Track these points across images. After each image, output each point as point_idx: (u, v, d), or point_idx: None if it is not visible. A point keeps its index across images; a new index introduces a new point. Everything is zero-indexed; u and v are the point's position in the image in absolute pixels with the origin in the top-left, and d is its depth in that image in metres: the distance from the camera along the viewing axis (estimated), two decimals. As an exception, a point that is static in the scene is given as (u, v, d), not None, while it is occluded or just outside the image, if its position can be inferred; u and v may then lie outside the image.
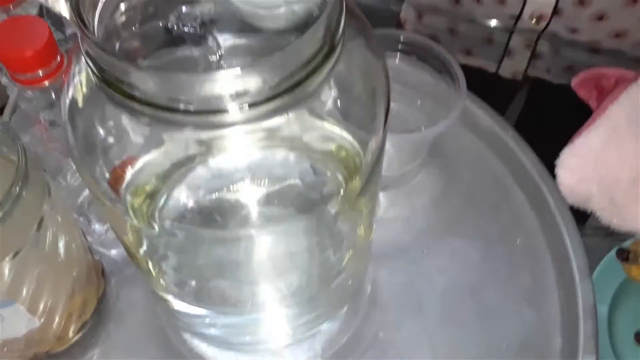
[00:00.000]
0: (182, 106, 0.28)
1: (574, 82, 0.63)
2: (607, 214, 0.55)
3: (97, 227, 0.55)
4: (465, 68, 0.56)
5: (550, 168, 0.56)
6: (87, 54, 0.29)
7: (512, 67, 0.78)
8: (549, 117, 0.82)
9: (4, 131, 0.39)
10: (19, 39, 0.39)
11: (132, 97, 0.29)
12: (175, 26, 0.45)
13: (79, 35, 0.29)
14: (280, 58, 0.27)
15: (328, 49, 0.30)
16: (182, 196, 0.37)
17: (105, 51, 0.28)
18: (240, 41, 0.49)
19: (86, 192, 0.56)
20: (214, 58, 0.55)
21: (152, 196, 0.37)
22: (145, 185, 0.36)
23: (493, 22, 0.75)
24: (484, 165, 0.61)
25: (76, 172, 0.55)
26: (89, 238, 0.53)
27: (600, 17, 0.69)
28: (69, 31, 0.53)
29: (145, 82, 0.28)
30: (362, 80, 0.36)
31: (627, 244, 0.63)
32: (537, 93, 0.85)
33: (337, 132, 0.36)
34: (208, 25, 0.52)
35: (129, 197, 0.36)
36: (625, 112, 0.55)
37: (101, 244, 0.56)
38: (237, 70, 0.27)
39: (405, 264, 0.55)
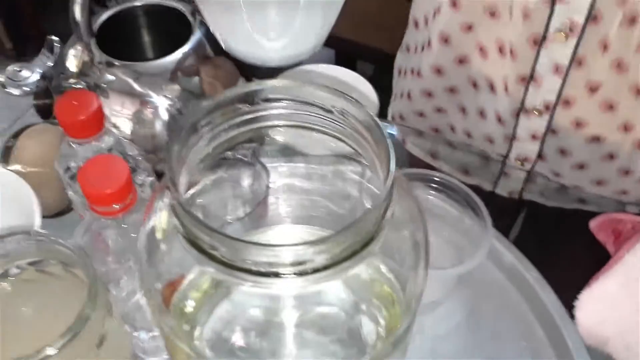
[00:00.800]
0: (247, 267, 0.33)
1: (593, 225, 0.67)
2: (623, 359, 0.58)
3: (142, 334, 0.58)
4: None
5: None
6: (174, 210, 0.34)
7: (508, 187, 0.82)
8: (547, 236, 0.86)
9: (80, 256, 0.44)
10: (102, 176, 0.44)
11: (205, 252, 0.34)
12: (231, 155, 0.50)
13: (170, 195, 0.34)
14: (342, 236, 0.32)
15: (382, 217, 0.35)
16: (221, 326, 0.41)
17: (191, 217, 0.33)
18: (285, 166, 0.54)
19: (134, 299, 0.60)
20: (262, 185, 0.60)
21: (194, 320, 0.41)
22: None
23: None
24: (507, 300, 0.64)
25: (123, 281, 0.60)
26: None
27: (581, 167, 0.75)
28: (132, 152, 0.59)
29: (219, 245, 0.33)
30: (407, 224, 0.41)
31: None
32: (534, 212, 0.89)
33: (383, 270, 0.40)
34: (258, 152, 0.58)
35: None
36: (640, 263, 0.59)
37: (143, 351, 0.59)
38: (301, 247, 0.31)
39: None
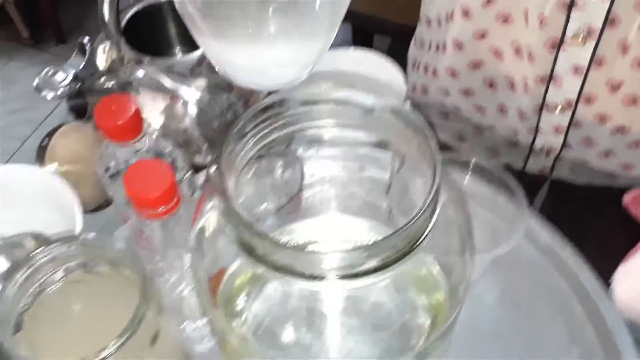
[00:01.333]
0: (299, 271, 0.34)
1: (626, 200, 0.67)
2: (661, 332, 0.59)
3: (187, 325, 0.60)
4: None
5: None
6: (228, 219, 0.35)
7: (538, 164, 0.83)
8: (578, 212, 0.86)
9: (129, 258, 0.45)
10: (147, 181, 0.45)
11: (259, 258, 0.35)
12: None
13: (224, 206, 0.35)
14: (393, 239, 0.33)
15: (431, 217, 0.35)
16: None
17: (246, 226, 0.34)
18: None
19: (177, 291, 0.61)
20: (297, 176, 0.61)
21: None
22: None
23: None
24: (542, 277, 0.65)
25: (167, 274, 0.61)
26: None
27: (607, 154, 0.74)
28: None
29: (268, 250, 0.34)
30: (451, 213, 0.41)
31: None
32: (564, 188, 0.89)
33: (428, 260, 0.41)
34: (291, 144, 0.58)
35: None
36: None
37: (187, 339, 0.61)
38: (353, 253, 0.32)
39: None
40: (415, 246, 0.34)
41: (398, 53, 0.89)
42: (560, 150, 0.76)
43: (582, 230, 0.70)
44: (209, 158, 0.72)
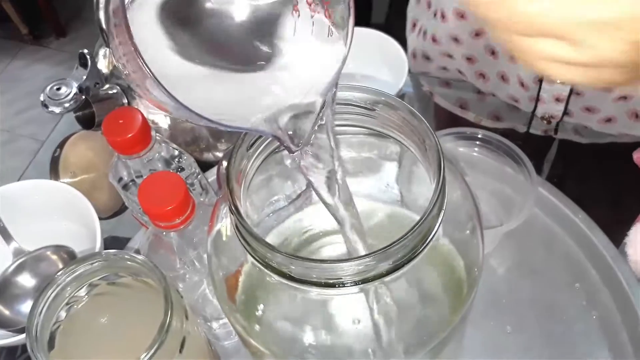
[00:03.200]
0: (314, 280, 0.35)
1: (636, 157, 0.67)
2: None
3: (213, 323, 0.62)
4: (495, 131, 0.62)
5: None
6: (241, 234, 0.36)
7: (542, 126, 0.82)
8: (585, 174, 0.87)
9: (150, 269, 0.47)
10: (160, 194, 0.46)
11: (270, 267, 0.36)
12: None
13: (236, 221, 0.36)
14: (405, 240, 0.33)
15: (439, 213, 0.36)
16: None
17: (259, 242, 0.34)
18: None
19: (199, 291, 0.63)
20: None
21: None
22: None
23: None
24: (555, 244, 0.66)
25: (187, 277, 0.62)
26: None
27: (608, 120, 0.74)
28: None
29: (287, 264, 0.35)
30: (457, 196, 0.42)
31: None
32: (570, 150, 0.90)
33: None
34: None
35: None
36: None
37: (214, 337, 0.63)
38: (366, 259, 0.33)
39: (484, 338, 0.60)
40: (426, 243, 0.35)
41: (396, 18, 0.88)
42: (562, 117, 0.77)
43: (593, 192, 0.70)
44: (217, 154, 0.73)
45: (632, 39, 0.34)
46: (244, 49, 0.34)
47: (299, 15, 0.35)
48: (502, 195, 0.65)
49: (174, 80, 0.28)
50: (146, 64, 0.27)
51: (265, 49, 0.35)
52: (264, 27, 0.35)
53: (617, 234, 0.63)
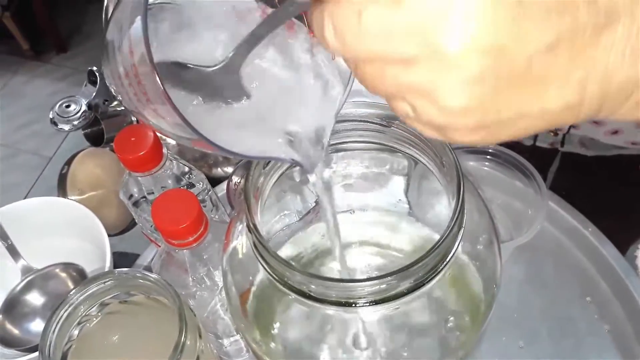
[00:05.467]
0: (333, 300, 0.35)
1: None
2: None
3: (224, 341, 0.61)
4: (501, 143, 0.62)
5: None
6: (259, 253, 0.36)
7: (549, 139, 0.83)
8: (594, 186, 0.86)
9: (164, 287, 0.46)
10: (174, 212, 0.46)
11: (288, 285, 0.35)
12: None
13: (253, 238, 0.36)
14: (426, 259, 0.33)
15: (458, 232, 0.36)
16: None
17: (279, 261, 0.34)
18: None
19: (210, 308, 0.62)
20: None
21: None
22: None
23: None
24: (566, 257, 0.65)
25: (199, 294, 0.62)
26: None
27: (615, 132, 0.74)
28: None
29: (307, 283, 0.35)
30: (473, 212, 0.42)
31: None
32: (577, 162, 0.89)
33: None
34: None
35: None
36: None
37: (225, 354, 0.62)
38: (387, 279, 0.33)
39: (498, 354, 0.60)
40: (447, 261, 0.35)
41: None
42: (569, 129, 0.77)
43: (601, 203, 0.70)
44: (226, 169, 0.73)
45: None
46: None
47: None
48: (512, 210, 0.65)
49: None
50: (166, 91, 0.26)
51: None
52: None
53: (626, 244, 0.63)
